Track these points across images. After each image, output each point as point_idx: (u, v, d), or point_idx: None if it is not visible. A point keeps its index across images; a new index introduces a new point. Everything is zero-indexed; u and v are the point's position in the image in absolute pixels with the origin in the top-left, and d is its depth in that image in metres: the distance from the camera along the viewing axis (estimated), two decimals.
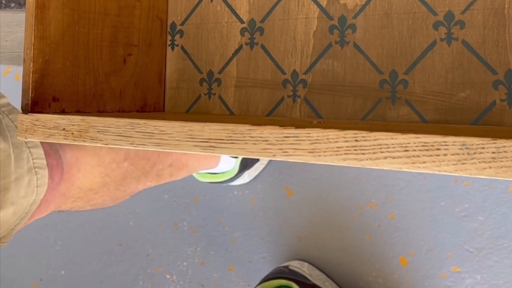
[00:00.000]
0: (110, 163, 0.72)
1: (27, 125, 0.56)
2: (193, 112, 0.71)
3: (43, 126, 0.55)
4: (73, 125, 0.53)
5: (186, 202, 1.21)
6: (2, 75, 1.41)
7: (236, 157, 1.08)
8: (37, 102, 0.57)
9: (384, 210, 1.07)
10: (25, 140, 0.59)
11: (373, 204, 1.07)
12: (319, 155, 0.45)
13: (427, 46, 0.60)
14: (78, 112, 0.61)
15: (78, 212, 1.28)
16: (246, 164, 1.12)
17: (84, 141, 0.53)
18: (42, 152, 0.63)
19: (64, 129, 0.54)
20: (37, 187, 0.63)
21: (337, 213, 1.10)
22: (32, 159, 0.62)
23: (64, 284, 1.32)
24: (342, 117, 0.63)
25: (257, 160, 1.12)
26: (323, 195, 1.09)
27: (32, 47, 0.56)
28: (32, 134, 0.56)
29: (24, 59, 0.57)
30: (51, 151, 0.66)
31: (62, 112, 0.60)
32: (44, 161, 0.63)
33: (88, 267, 1.30)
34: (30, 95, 0.57)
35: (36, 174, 0.62)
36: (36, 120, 0.55)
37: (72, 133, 0.53)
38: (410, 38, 0.61)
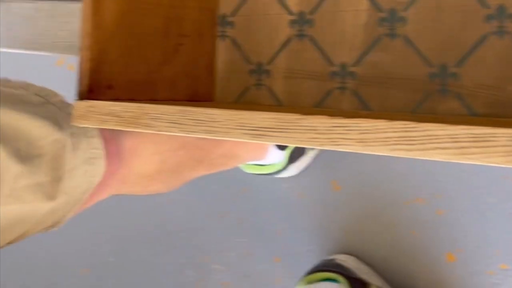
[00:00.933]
0: (167, 150, 0.73)
1: (82, 112, 0.57)
2: (243, 102, 0.71)
3: (98, 112, 0.56)
4: (127, 111, 0.55)
5: (233, 193, 1.22)
6: (55, 65, 1.44)
7: (284, 150, 1.09)
8: (92, 89, 0.59)
9: (432, 206, 1.06)
10: (83, 126, 0.61)
11: (420, 199, 1.07)
12: (368, 145, 0.46)
13: (478, 39, 0.59)
14: (131, 100, 0.63)
15: (126, 201, 1.30)
16: (293, 157, 1.12)
17: (137, 127, 0.54)
18: (101, 142, 0.64)
19: (118, 115, 0.55)
20: (91, 177, 0.64)
21: (384, 208, 1.10)
22: (90, 150, 0.64)
23: (113, 271, 1.35)
24: (391, 109, 0.63)
25: (305, 153, 1.13)
26: (370, 189, 1.09)
27: (89, 36, 0.58)
28: (86, 120, 0.57)
29: (80, 47, 0.59)
30: (111, 137, 0.68)
31: (116, 99, 0.61)
32: (102, 151, 0.64)
33: (137, 255, 1.32)
34: (85, 82, 0.58)
35: (92, 165, 0.64)
36: (91, 107, 0.57)
37: (126, 120, 0.55)
38: (460, 31, 0.60)
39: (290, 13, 0.70)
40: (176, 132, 0.53)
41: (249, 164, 1.11)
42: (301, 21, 0.69)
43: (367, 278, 1.03)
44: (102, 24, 0.60)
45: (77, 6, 0.83)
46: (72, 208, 0.64)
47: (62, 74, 1.43)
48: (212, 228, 1.23)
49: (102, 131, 0.67)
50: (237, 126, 0.51)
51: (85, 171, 0.63)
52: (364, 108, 0.65)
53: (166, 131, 0.53)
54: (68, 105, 0.66)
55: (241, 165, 1.11)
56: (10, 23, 0.86)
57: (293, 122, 0.49)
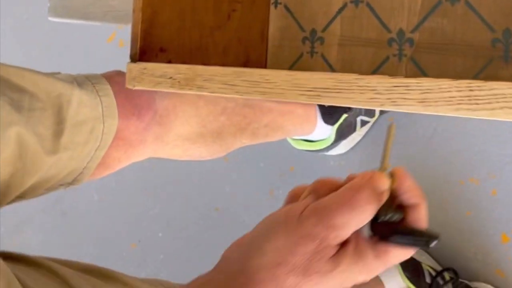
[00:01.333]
0: (207, 115, 0.73)
1: (135, 74, 0.57)
2: (296, 69, 0.70)
3: (151, 74, 0.56)
4: (180, 73, 0.54)
5: (281, 170, 1.21)
6: (106, 41, 1.45)
7: (332, 125, 1.07)
8: (145, 51, 0.58)
9: (486, 186, 1.03)
10: (102, 85, 0.61)
11: (474, 179, 1.04)
12: (430, 105, 0.44)
13: None
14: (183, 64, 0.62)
15: (175, 175, 1.30)
16: (342, 133, 1.10)
17: (190, 89, 0.53)
18: (114, 102, 0.65)
19: (171, 77, 0.54)
20: (103, 134, 0.65)
21: (438, 187, 1.07)
22: (102, 107, 0.64)
23: (161, 246, 1.36)
24: (451, 76, 0.61)
25: (354, 130, 1.11)
26: (423, 168, 1.07)
27: None
28: (139, 82, 0.57)
29: (133, 9, 0.58)
30: (144, 93, 0.67)
31: (169, 63, 0.61)
32: (116, 111, 0.65)
33: (185, 231, 1.33)
34: (138, 44, 0.58)
35: (103, 123, 0.64)
36: (144, 69, 0.56)
37: (179, 82, 0.54)
38: None
39: None
40: (229, 94, 0.52)
41: (297, 140, 1.09)
42: None
43: (418, 257, 1.01)
44: None
45: None
46: (86, 164, 0.65)
47: (113, 50, 1.43)
48: (260, 205, 1.22)
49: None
50: (292, 87, 0.49)
51: (93, 127, 0.63)
52: (422, 76, 0.63)
53: (219, 93, 0.52)
54: (98, 77, 0.67)
55: (290, 140, 1.10)
56: None
57: (350, 82, 0.47)
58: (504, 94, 0.41)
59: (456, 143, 1.05)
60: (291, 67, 0.70)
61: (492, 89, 0.41)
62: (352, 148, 1.16)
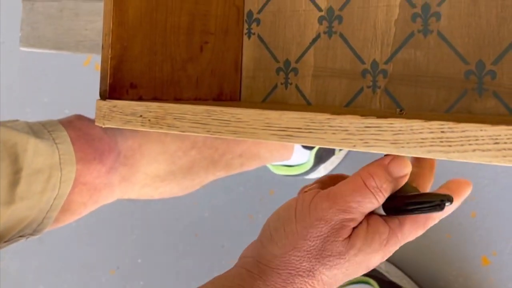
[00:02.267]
0: (176, 151, 0.72)
1: (105, 111, 0.56)
2: (270, 101, 0.69)
3: (121, 112, 0.55)
4: (150, 111, 0.53)
5: (261, 195, 1.20)
6: (82, 65, 1.44)
7: (310, 149, 1.06)
8: (115, 88, 0.57)
9: (466, 208, 1.03)
10: (58, 132, 0.61)
11: None
12: (402, 147, 0.43)
13: None
14: (155, 99, 0.61)
15: (153, 201, 1.29)
16: (321, 157, 1.10)
17: (161, 128, 0.52)
18: (72, 149, 0.65)
19: (141, 115, 0.53)
20: (61, 182, 0.64)
21: None
22: (59, 155, 0.64)
23: (140, 272, 1.34)
24: (424, 109, 0.60)
25: (333, 153, 1.10)
26: None
27: (111, 33, 0.56)
28: (109, 121, 0.56)
29: (102, 45, 0.57)
30: (105, 136, 0.67)
31: (140, 99, 0.60)
32: (74, 157, 0.64)
33: (164, 257, 1.31)
34: (108, 81, 0.57)
35: (61, 170, 0.64)
36: (114, 107, 0.55)
37: (149, 120, 0.53)
38: (498, 27, 0.57)
39: (319, 9, 0.68)
40: (201, 133, 0.51)
41: (276, 165, 1.09)
42: (330, 17, 0.67)
43: (399, 281, 1.00)
44: (125, 21, 0.58)
45: (101, 5, 0.81)
46: (46, 214, 0.64)
47: (89, 74, 1.42)
48: (240, 230, 1.21)
49: (94, 128, 0.67)
50: (264, 126, 0.49)
51: (50, 176, 0.63)
52: (396, 108, 0.62)
53: (190, 132, 0.51)
54: (55, 123, 0.66)
55: (269, 166, 1.09)
56: (34, 22, 0.85)
57: (322, 122, 0.47)
58: (476, 136, 0.40)
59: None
60: (266, 98, 0.70)
61: (464, 131, 0.41)
62: (331, 171, 1.15)
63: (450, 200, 0.50)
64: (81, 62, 1.43)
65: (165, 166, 0.72)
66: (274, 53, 0.70)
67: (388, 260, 1.03)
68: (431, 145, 0.42)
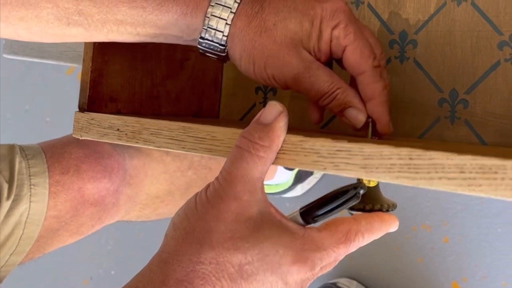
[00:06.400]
0: (175, 171, 0.72)
1: (82, 123, 0.56)
2: (247, 120, 0.70)
3: (98, 125, 0.55)
4: (127, 126, 0.53)
5: None
6: (66, 73, 1.44)
7: (292, 170, 1.07)
8: (94, 100, 0.58)
9: (439, 233, 1.04)
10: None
11: (427, 226, 1.05)
12: (372, 171, 0.44)
13: (490, 66, 0.58)
14: (134, 113, 0.62)
15: None
16: (300, 177, 1.11)
17: (137, 142, 0.53)
18: (45, 208, 0.64)
19: (118, 129, 0.54)
20: (20, 240, 0.64)
21: (390, 233, 1.08)
22: (28, 215, 0.64)
23: (114, 284, 1.34)
24: (398, 134, 0.62)
25: (311, 173, 1.11)
26: None
27: (92, 47, 0.57)
28: (87, 133, 0.56)
29: (83, 58, 0.58)
30: (114, 152, 0.67)
31: (118, 112, 0.60)
32: (43, 217, 0.64)
33: (138, 269, 1.31)
34: (87, 93, 0.57)
35: (23, 229, 0.64)
36: (92, 119, 0.56)
37: (126, 134, 0.53)
38: (473, 57, 0.59)
39: None
40: (175, 149, 0.52)
41: None
42: None
43: None
44: None
45: None
46: (10, 256, 0.64)
47: (72, 83, 1.42)
48: None
49: (103, 145, 0.66)
50: None
51: (11, 233, 0.63)
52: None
53: (165, 148, 0.52)
54: (41, 162, 0.66)
55: None
56: None
57: (295, 144, 0.48)
58: (443, 165, 0.41)
59: (409, 190, 1.05)
60: (244, 116, 0.70)
61: (431, 159, 0.42)
62: (308, 191, 1.16)
63: (363, 187, 0.49)
64: (64, 71, 1.43)
65: (165, 186, 0.71)
66: None
67: (359, 282, 1.04)
68: (399, 171, 0.43)
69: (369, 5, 0.64)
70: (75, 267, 1.39)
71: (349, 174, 0.45)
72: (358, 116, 0.54)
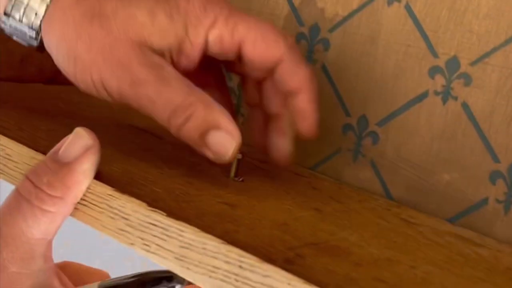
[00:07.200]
0: None
1: None
2: None
3: None
4: None
5: None
6: None
7: None
8: None
9: None
10: None
11: None
12: (188, 268, 0.30)
13: (415, 96, 0.43)
14: None
15: None
16: None
17: None
18: None
19: None
20: None
21: None
22: None
23: None
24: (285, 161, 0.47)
25: None
26: None
27: None
28: None
29: None
30: None
31: None
32: None
33: None
34: None
35: None
36: None
37: None
38: (395, 79, 0.44)
39: None
40: None
41: None
42: None
43: None
44: None
45: None
46: None
47: None
48: None
49: None
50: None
51: None
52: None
53: None
54: None
55: None
56: None
57: (102, 197, 0.33)
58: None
59: None
60: None
61: (265, 276, 0.28)
62: None
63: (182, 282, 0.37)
64: None
65: None
66: None
67: None
68: (223, 280, 0.29)
69: None
70: None
71: (160, 263, 0.31)
72: (225, 144, 0.38)
